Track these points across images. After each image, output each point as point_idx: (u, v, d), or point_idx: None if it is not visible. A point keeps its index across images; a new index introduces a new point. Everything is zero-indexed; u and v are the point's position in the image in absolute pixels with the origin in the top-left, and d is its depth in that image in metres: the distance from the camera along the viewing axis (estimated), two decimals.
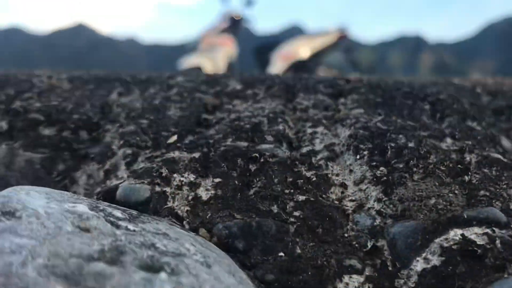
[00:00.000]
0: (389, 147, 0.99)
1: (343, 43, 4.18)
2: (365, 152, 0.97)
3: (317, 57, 4.03)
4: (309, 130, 1.09)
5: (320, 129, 1.10)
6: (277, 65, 3.87)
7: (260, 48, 4.18)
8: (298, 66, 3.90)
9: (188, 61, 4.05)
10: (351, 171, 0.94)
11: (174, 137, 1.02)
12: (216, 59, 3.96)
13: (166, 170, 0.91)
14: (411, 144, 0.99)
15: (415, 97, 1.31)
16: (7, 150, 1.08)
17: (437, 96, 1.34)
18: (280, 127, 1.08)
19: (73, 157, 1.07)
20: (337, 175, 0.94)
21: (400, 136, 1.04)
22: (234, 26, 4.23)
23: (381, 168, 0.92)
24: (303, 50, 3.91)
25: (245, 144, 1.00)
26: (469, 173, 0.94)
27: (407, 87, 1.39)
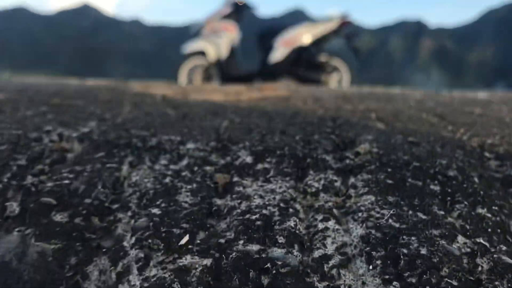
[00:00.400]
0: (402, 255, 0.98)
1: (346, 29, 4.17)
2: (378, 262, 0.96)
3: (319, 43, 4.09)
4: (321, 225, 1.08)
5: (331, 223, 1.09)
6: (280, 50, 3.94)
7: (263, 34, 4.23)
8: (300, 52, 3.98)
9: (191, 46, 4.15)
10: (363, 283, 0.93)
11: (186, 238, 1.01)
12: (219, 44, 4.06)
13: (178, 285, 0.90)
14: (423, 251, 0.99)
15: (424, 175, 1.31)
16: (19, 240, 1.07)
17: (446, 172, 1.34)
18: (292, 223, 1.07)
19: (85, 248, 1.06)
20: (350, 286, 0.92)
21: (413, 238, 1.04)
22: (237, 11, 4.25)
23: (394, 283, 0.91)
24: (305, 36, 3.96)
25: (256, 248, 0.99)
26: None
27: (416, 161, 1.38)
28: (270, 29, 4.27)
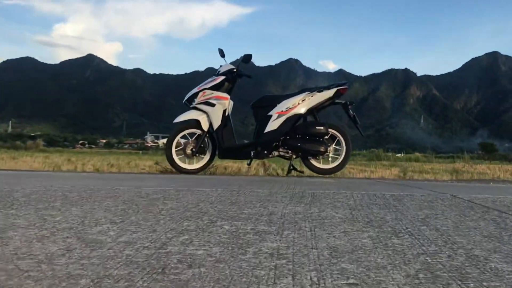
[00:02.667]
0: None
1: (340, 98, 5.23)
2: None
3: (315, 111, 5.20)
4: None
5: None
6: (275, 119, 5.02)
7: (258, 105, 5.26)
8: (296, 120, 5.12)
9: (184, 116, 5.16)
10: None
11: None
12: (212, 113, 5.08)
13: None
14: None
15: None
16: None
17: None
18: None
19: None
20: None
21: None
22: (231, 80, 5.24)
23: None
24: (301, 105, 5.06)
25: None
26: None
27: None
28: (266, 100, 5.28)
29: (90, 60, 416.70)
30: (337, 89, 5.20)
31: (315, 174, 5.20)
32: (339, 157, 5.21)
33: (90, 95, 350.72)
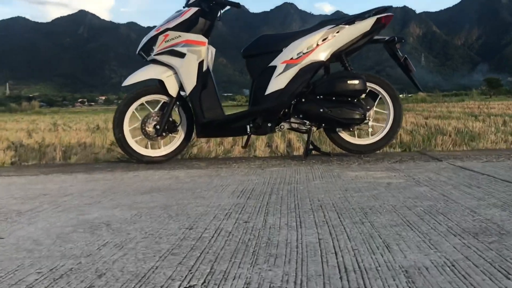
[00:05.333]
0: None
1: (383, 32, 3.38)
2: None
3: (343, 57, 3.33)
4: None
5: None
6: (282, 74, 3.18)
7: (253, 52, 3.36)
8: (315, 73, 3.26)
9: (137, 75, 3.28)
10: None
11: None
12: (182, 68, 3.17)
13: None
14: None
15: None
16: None
17: None
18: None
19: None
20: None
21: None
22: (207, 15, 3.25)
23: None
24: (322, 48, 3.18)
25: None
26: None
27: None
28: (265, 43, 3.37)
29: (82, 16, 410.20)
30: (377, 18, 3.28)
31: (347, 155, 3.47)
32: (383, 126, 3.44)
33: (85, 53, 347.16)
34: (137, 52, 3.37)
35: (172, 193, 2.08)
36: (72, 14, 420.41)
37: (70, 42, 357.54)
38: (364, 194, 1.91)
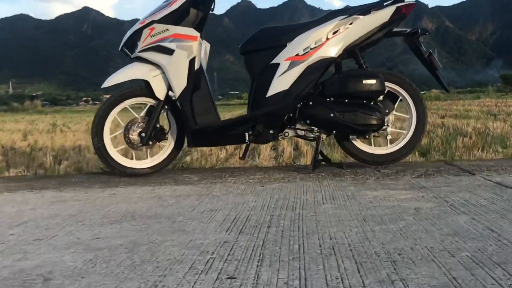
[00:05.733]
0: None
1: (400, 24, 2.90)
2: None
3: (355, 51, 2.89)
4: None
5: None
6: (286, 72, 2.79)
7: (251, 47, 2.97)
8: (324, 70, 2.84)
9: (123, 74, 2.93)
10: None
11: None
12: (171, 66, 2.78)
13: None
14: None
15: None
16: None
17: None
18: None
19: None
20: None
21: None
22: (200, 1, 2.84)
23: None
24: (333, 45, 2.77)
25: None
26: None
27: None
28: (266, 36, 2.98)
29: (86, 13, 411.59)
30: (397, 8, 2.86)
31: (361, 165, 3.05)
32: (404, 132, 3.03)
33: (89, 50, 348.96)
34: (120, 49, 3.00)
35: (148, 223, 1.71)
36: (76, 11, 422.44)
37: (74, 39, 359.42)
38: (388, 228, 1.51)
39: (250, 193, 2.24)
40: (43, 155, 4.60)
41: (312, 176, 2.67)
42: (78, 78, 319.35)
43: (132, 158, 2.99)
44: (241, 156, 2.95)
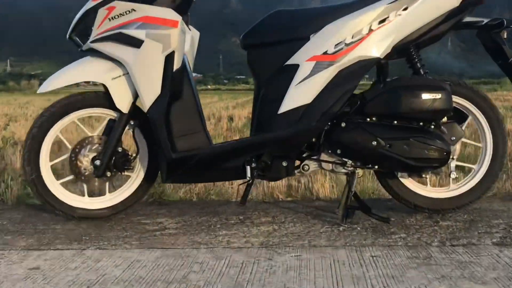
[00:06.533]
0: None
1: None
2: None
3: (409, 49, 2.07)
4: None
5: None
6: (310, 79, 1.97)
7: (257, 40, 2.14)
8: (363, 72, 2.02)
9: (69, 76, 2.11)
10: None
11: None
12: (137, 65, 1.98)
13: None
14: None
15: None
16: None
17: None
18: None
19: None
20: None
21: None
22: None
23: None
24: (378, 40, 1.96)
25: None
26: None
27: None
28: (279, 24, 2.13)
29: None
30: None
31: (411, 213, 2.21)
32: (474, 168, 2.20)
33: None
34: (67, 36, 2.16)
35: None
36: None
37: (74, 17, 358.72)
38: None
39: (250, 271, 1.41)
40: (14, 152, 3.71)
41: (344, 232, 1.81)
42: (80, 57, 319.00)
43: (83, 195, 2.18)
44: (240, 199, 2.08)
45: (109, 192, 2.17)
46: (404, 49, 2.05)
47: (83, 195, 2.15)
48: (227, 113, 10.22)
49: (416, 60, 2.05)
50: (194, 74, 2.26)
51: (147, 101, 1.95)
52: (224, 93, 29.90)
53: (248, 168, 1.98)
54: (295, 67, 2.00)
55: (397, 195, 2.11)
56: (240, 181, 2.19)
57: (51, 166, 2.10)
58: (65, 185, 2.15)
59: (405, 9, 1.95)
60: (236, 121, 8.31)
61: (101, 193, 2.22)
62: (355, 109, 1.96)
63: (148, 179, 2.17)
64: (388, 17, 1.95)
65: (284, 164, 2.01)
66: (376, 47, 1.97)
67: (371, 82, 2.22)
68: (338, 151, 1.98)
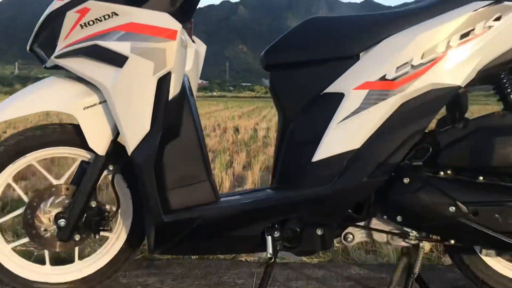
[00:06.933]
0: None
1: None
2: None
3: (507, 76, 1.51)
4: None
5: None
6: (359, 115, 1.43)
7: (280, 58, 1.57)
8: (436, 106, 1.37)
9: (23, 106, 1.55)
10: None
11: None
12: (117, 94, 1.44)
13: None
14: None
15: None
16: None
17: None
18: None
19: None
20: None
21: None
22: None
23: None
24: (458, 63, 1.39)
25: None
26: None
27: None
28: (318, 36, 1.58)
29: None
30: None
31: None
32: None
33: None
34: (27, 48, 1.59)
35: None
36: None
37: None
38: None
39: None
40: None
41: None
42: None
43: (43, 263, 1.64)
44: (258, 285, 1.49)
45: (79, 258, 1.57)
46: (493, 75, 1.50)
47: (44, 264, 1.56)
48: (232, 123, 9.76)
49: (510, 90, 1.45)
50: (199, 81, 1.83)
51: (131, 141, 1.38)
52: (230, 101, 29.42)
53: (270, 238, 1.40)
54: (339, 96, 1.46)
55: (475, 277, 1.52)
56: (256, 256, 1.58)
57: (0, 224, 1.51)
58: (18, 250, 1.56)
59: (498, 18, 1.40)
60: (242, 133, 7.84)
61: (68, 258, 1.62)
62: (426, 159, 1.37)
63: (132, 241, 1.63)
64: (473, 29, 1.41)
65: (319, 232, 1.48)
66: (455, 72, 1.42)
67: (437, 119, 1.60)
68: (399, 218, 1.39)
